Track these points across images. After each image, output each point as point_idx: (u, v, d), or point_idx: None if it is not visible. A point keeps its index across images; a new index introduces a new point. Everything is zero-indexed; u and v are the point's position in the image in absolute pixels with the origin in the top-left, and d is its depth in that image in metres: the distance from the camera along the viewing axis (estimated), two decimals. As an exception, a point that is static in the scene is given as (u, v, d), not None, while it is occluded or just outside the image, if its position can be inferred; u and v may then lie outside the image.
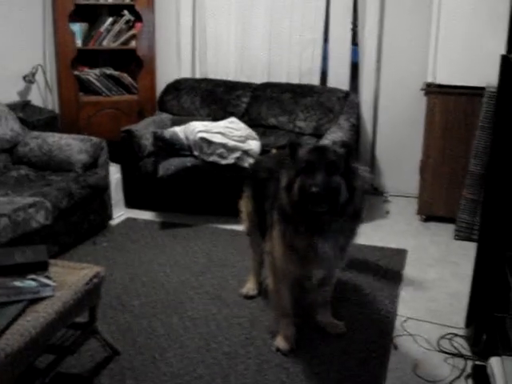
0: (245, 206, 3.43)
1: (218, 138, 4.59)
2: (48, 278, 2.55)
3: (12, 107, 4.65)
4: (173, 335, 3.07)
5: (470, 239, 4.29)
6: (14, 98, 5.03)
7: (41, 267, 2.63)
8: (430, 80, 4.55)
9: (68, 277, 2.61)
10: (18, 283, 2.47)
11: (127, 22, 5.54)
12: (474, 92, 4.35)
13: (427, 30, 4.58)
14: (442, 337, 3.09)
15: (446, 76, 4.46)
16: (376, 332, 3.13)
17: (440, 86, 4.50)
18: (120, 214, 4.78)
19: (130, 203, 4.94)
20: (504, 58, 2.73)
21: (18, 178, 4.22)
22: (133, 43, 5.59)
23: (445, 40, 4.41)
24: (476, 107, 4.35)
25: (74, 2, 5.27)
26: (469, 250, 3.92)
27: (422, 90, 4.61)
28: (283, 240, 2.80)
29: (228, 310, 3.34)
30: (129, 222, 4.69)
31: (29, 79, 5.08)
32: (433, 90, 4.52)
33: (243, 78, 5.52)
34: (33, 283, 2.48)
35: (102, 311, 3.05)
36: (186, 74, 5.66)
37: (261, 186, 3.10)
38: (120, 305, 3.38)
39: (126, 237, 4.38)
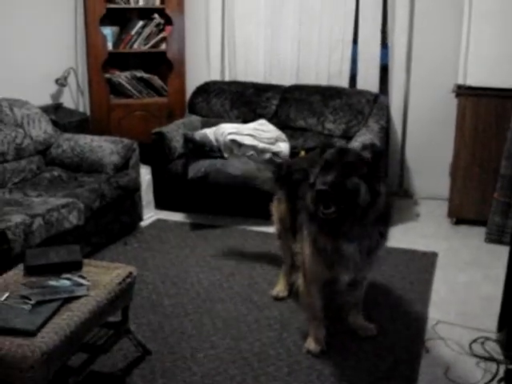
0: (276, 208, 3.45)
1: (247, 140, 4.61)
2: (82, 277, 2.59)
3: (45, 109, 4.73)
4: (204, 335, 3.09)
5: (501, 242, 4.25)
6: (47, 100, 5.12)
7: (75, 267, 2.69)
8: (460, 82, 4.51)
9: (101, 276, 2.64)
10: (53, 282, 2.52)
11: (157, 25, 5.60)
12: (506, 94, 4.31)
13: (458, 32, 4.54)
14: (474, 340, 3.05)
15: (477, 78, 4.41)
16: (407, 335, 3.11)
17: (471, 88, 4.45)
18: (150, 215, 4.82)
19: (160, 204, 4.98)
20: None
21: (51, 179, 4.29)
22: (163, 46, 5.65)
23: (476, 42, 4.37)
24: (507, 109, 4.31)
25: (106, 5, 5.33)
26: (500, 253, 3.91)
27: (453, 91, 4.57)
28: (310, 241, 2.81)
29: (258, 312, 3.35)
30: (159, 223, 4.73)
31: (61, 82, 5.15)
32: (463, 92, 4.48)
33: (272, 81, 5.53)
34: (67, 282, 2.53)
35: (133, 311, 3.08)
36: (215, 76, 5.69)
37: (294, 187, 3.11)
38: (151, 305, 3.41)
39: (157, 238, 4.42)
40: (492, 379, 2.74)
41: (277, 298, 3.48)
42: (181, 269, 3.90)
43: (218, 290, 3.61)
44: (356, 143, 4.38)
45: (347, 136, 4.91)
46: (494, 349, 2.98)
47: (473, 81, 4.43)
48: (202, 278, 3.76)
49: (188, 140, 4.75)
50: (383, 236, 2.79)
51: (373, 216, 2.62)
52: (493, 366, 2.83)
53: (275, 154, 4.65)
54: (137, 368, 2.82)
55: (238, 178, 4.45)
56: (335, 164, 2.56)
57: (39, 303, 2.36)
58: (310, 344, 2.96)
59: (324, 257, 2.77)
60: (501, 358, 2.90)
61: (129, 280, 2.69)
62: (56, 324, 2.26)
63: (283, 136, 4.89)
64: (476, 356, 2.93)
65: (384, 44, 5.26)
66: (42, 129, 4.47)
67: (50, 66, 5.10)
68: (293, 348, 2.99)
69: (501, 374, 2.76)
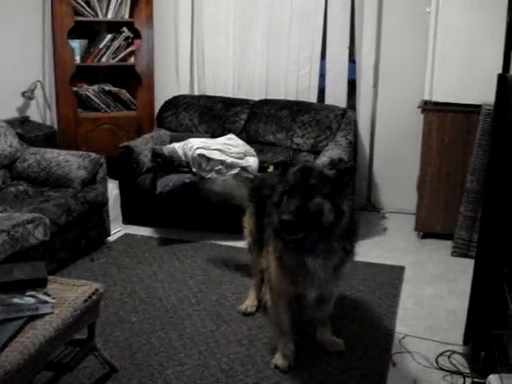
0: (248, 222, 3.45)
1: (216, 155, 4.61)
2: (47, 294, 2.55)
3: (11, 123, 4.66)
4: (171, 352, 3.07)
5: (467, 256, 4.30)
6: (13, 113, 5.05)
7: (40, 284, 2.65)
8: (426, 98, 4.57)
9: (67, 294, 2.61)
10: (17, 300, 2.47)
11: (126, 38, 5.58)
12: (471, 110, 4.38)
13: (424, 48, 4.60)
14: (441, 354, 3.08)
15: (443, 94, 4.48)
16: (374, 349, 3.13)
17: (437, 104, 4.52)
18: (118, 229, 4.78)
19: (128, 219, 4.94)
20: (500, 77, 2.76)
21: (17, 193, 4.24)
22: (131, 60, 5.63)
23: (442, 58, 4.44)
24: (473, 125, 4.37)
25: (74, 18, 5.29)
26: (466, 266, 3.96)
27: (419, 107, 4.63)
28: (276, 257, 2.81)
29: (226, 327, 3.33)
30: (127, 238, 4.68)
31: (28, 95, 5.10)
32: (430, 108, 4.54)
33: (241, 95, 5.55)
34: (32, 300, 2.48)
35: (100, 328, 3.05)
36: (184, 90, 5.69)
37: (263, 202, 3.12)
38: (118, 321, 3.38)
39: (124, 253, 4.37)
40: (458, 393, 2.78)
41: (245, 314, 3.47)
42: (148, 284, 3.87)
43: (186, 305, 3.59)
44: (324, 158, 4.40)
45: (315, 151, 4.94)
46: (461, 362, 3.01)
47: (439, 96, 4.50)
48: (169, 294, 3.73)
49: (156, 154, 4.73)
50: (349, 252, 2.80)
51: (337, 232, 2.64)
52: (459, 380, 2.87)
53: (244, 168, 4.65)
54: (103, 386, 2.79)
55: (217, 194, 4.46)
56: (298, 188, 2.57)
57: (3, 321, 2.32)
58: (278, 360, 2.96)
59: (289, 273, 2.77)
60: (467, 371, 2.93)
61: (95, 297, 2.66)
62: (20, 343, 2.22)
63: (252, 151, 4.90)
64: (442, 369, 2.96)
65: (352, 59, 5.32)
66: (7, 142, 4.41)
67: (17, 78, 5.04)
68: (261, 364, 2.98)
69: (467, 387, 2.80)
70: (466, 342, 3.10)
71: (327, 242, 2.65)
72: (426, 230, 4.76)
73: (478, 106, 4.25)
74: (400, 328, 3.36)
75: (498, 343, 2.67)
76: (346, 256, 2.78)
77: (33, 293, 2.55)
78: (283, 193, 2.62)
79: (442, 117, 4.50)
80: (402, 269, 4.16)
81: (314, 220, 2.55)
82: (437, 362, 3.02)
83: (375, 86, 5.20)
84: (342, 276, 2.86)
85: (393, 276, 4.03)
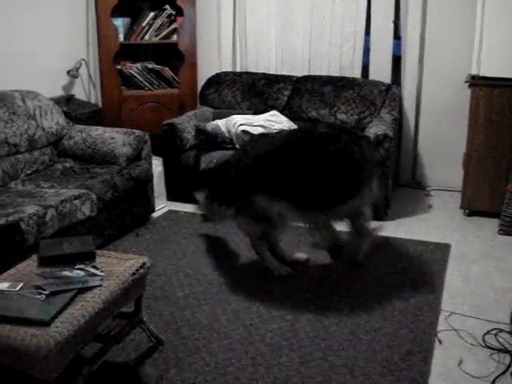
0: None
1: (259, 131, 4.60)
2: (96, 268, 2.60)
3: (57, 101, 4.73)
4: (216, 326, 3.10)
5: (514, 234, 4.23)
6: (59, 92, 5.12)
7: (88, 257, 2.70)
8: (474, 72, 4.48)
9: (115, 267, 2.65)
10: (67, 273, 2.53)
11: (168, 16, 5.58)
12: (520, 84, 4.28)
13: (471, 22, 4.51)
14: (487, 332, 3.04)
15: (491, 68, 4.37)
16: (420, 326, 3.10)
17: (484, 78, 4.41)
18: (162, 206, 4.83)
19: (172, 196, 4.99)
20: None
21: (64, 170, 4.30)
22: (174, 37, 5.63)
23: (489, 32, 4.33)
24: (522, 100, 4.28)
25: (117, -3, 5.33)
26: (514, 244, 3.89)
27: (466, 82, 4.53)
28: None
29: (270, 302, 3.35)
30: (171, 214, 4.73)
31: (73, 74, 5.15)
32: (477, 83, 4.44)
33: (284, 72, 5.52)
34: (81, 273, 2.54)
35: (146, 302, 3.09)
36: (226, 67, 5.68)
37: None
38: (164, 296, 3.42)
39: (169, 229, 4.42)
40: (505, 371, 2.73)
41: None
42: (193, 260, 3.91)
43: (230, 280, 3.62)
44: (369, 134, 4.36)
45: (360, 127, 4.88)
46: (508, 340, 2.97)
47: (486, 71, 4.39)
48: (214, 269, 3.77)
49: (200, 131, 4.74)
50: None
51: None
52: (506, 358, 2.82)
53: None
54: (150, 358, 2.83)
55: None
56: None
57: (53, 293, 2.37)
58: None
59: None
60: (514, 349, 2.89)
61: (142, 270, 2.70)
62: (70, 314, 2.27)
63: (295, 127, 4.87)
64: (489, 348, 2.92)
65: (396, 35, 5.23)
66: (53, 120, 4.47)
67: (62, 57, 5.10)
68: (305, 339, 2.98)
69: (514, 365, 2.76)
70: (513, 320, 3.05)
71: None
72: (472, 208, 4.68)
73: (529, 81, 4.15)
74: (446, 306, 3.33)
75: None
76: None
77: (82, 266, 2.60)
78: None
79: (490, 92, 4.40)
80: (447, 246, 4.10)
81: None
82: (483, 341, 2.98)
83: (420, 61, 5.10)
84: None
85: (438, 254, 3.99)
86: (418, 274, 3.71)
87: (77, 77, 5.21)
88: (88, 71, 5.35)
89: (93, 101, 5.50)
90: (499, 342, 2.97)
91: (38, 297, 2.35)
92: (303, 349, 2.90)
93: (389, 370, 2.75)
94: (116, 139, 4.41)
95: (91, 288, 2.46)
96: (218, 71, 5.64)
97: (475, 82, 4.45)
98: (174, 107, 5.58)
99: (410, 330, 3.07)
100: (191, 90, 5.73)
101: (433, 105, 5.16)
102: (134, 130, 4.51)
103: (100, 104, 5.50)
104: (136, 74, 5.62)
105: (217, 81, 5.53)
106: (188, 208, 4.80)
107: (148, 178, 4.49)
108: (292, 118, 5.03)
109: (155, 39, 5.61)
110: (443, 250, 4.05)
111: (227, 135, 4.69)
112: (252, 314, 3.23)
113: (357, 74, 5.34)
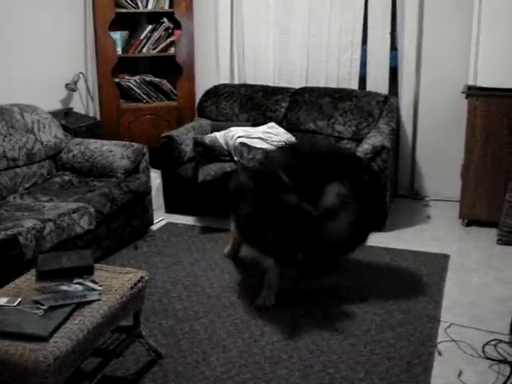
0: None
1: (257, 143, 4.61)
2: (94, 282, 2.60)
3: (55, 114, 4.74)
4: (215, 339, 3.09)
5: (513, 244, 4.23)
6: (57, 105, 5.13)
7: (87, 271, 2.70)
8: (471, 83, 4.49)
9: (113, 281, 2.65)
10: (65, 287, 2.53)
11: (166, 29, 5.60)
12: (517, 94, 4.29)
13: (468, 33, 4.52)
14: (487, 343, 3.04)
15: (488, 78, 4.39)
16: (419, 338, 3.10)
17: (481, 89, 4.43)
18: (160, 218, 4.83)
19: (171, 208, 4.99)
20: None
21: (62, 183, 4.31)
22: (172, 50, 5.65)
23: (486, 42, 4.35)
24: (518, 110, 4.29)
25: (115, 10, 5.34)
26: (512, 254, 3.89)
27: (463, 92, 4.55)
28: None
29: (270, 314, 3.34)
30: (169, 226, 4.73)
31: (71, 87, 5.16)
32: (474, 93, 4.45)
33: (282, 83, 5.53)
34: (79, 287, 2.54)
35: (145, 315, 3.08)
36: (224, 79, 5.70)
37: None
38: (163, 309, 3.42)
39: (167, 241, 4.42)
40: (505, 382, 2.73)
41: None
42: (191, 272, 3.90)
43: (229, 293, 3.61)
44: (366, 145, 4.38)
45: (357, 138, 4.89)
46: (508, 351, 2.97)
47: (483, 81, 4.41)
48: (212, 282, 3.76)
49: (198, 144, 4.75)
50: None
51: None
52: (506, 369, 2.82)
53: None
54: (149, 372, 2.83)
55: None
56: None
57: (51, 308, 2.37)
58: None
59: None
60: (514, 360, 2.88)
61: (140, 284, 2.69)
62: (68, 329, 2.27)
63: (293, 139, 4.88)
64: (489, 358, 2.92)
65: (393, 47, 5.25)
66: (52, 134, 4.48)
67: (60, 71, 5.11)
68: (305, 352, 2.98)
69: (514, 376, 2.75)
70: (513, 330, 3.05)
71: None
72: (471, 218, 4.68)
73: (525, 91, 4.16)
74: (445, 317, 3.32)
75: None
76: None
77: (80, 280, 2.60)
78: None
79: (487, 102, 4.41)
80: (446, 257, 4.10)
81: None
82: (483, 351, 2.97)
83: (417, 71, 5.12)
84: None
85: (437, 264, 3.99)
86: (416, 284, 3.71)
87: (75, 90, 5.22)
88: (86, 84, 5.36)
89: (91, 114, 5.50)
90: (499, 352, 2.96)
91: (37, 312, 2.35)
92: (303, 362, 2.90)
93: (389, 382, 2.74)
94: (114, 152, 4.42)
95: (90, 302, 2.45)
96: (216, 83, 5.65)
97: (472, 92, 4.47)
98: (172, 120, 5.59)
99: (410, 341, 3.07)
100: (189, 103, 5.74)
101: (430, 115, 5.17)
102: (132, 143, 4.52)
103: (98, 117, 5.51)
104: (134, 87, 5.64)
105: (215, 93, 5.54)
106: (186, 220, 4.81)
107: (146, 191, 4.49)
108: (290, 130, 5.04)
109: (153, 52, 5.64)
110: (442, 260, 4.05)
111: (225, 147, 4.70)
112: (251, 327, 3.22)
113: (354, 85, 5.35)
